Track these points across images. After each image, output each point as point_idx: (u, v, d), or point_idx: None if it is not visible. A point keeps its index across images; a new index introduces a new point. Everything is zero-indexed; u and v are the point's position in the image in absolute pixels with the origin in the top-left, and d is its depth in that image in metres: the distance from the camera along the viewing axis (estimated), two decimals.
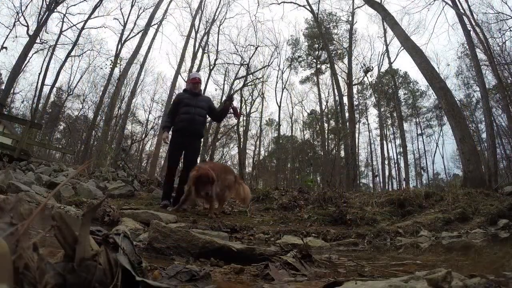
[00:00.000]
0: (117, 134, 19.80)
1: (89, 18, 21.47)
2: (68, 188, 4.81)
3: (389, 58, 23.99)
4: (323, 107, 27.23)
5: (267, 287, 1.00)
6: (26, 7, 18.67)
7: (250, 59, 22.58)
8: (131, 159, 23.73)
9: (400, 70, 28.61)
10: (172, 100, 5.61)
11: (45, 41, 20.09)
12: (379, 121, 28.59)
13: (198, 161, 5.09)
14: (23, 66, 18.52)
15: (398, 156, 27.80)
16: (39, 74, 21.00)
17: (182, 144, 4.64)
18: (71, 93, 25.96)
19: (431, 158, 28.52)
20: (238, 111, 5.05)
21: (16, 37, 19.25)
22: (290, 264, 1.33)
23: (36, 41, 17.94)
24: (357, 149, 24.76)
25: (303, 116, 30.94)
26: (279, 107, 25.95)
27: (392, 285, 0.70)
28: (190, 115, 4.62)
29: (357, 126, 25.52)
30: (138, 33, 21.37)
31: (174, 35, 66.74)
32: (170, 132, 4.75)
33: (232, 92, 22.15)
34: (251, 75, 22.80)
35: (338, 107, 20.35)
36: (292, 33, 42.73)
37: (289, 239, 3.00)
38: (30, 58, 19.50)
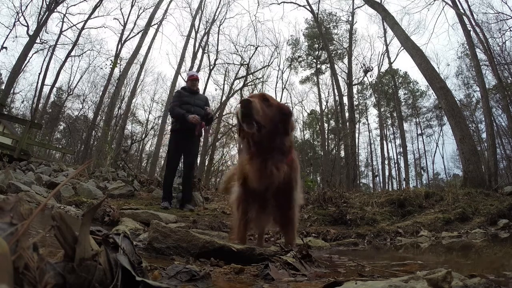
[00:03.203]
0: (117, 134, 19.77)
1: (89, 18, 21.53)
2: (68, 188, 4.82)
3: (389, 58, 24.03)
4: (323, 107, 27.24)
5: (267, 287, 1.00)
6: (26, 7, 18.73)
7: (250, 59, 22.63)
8: (131, 159, 23.72)
9: (400, 70, 28.64)
10: (173, 95, 5.47)
11: (45, 41, 20.16)
12: (379, 121, 28.62)
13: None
14: (23, 66, 18.50)
15: (398, 156, 27.84)
16: (39, 74, 21.08)
17: (182, 143, 4.63)
18: (71, 93, 26.04)
19: (431, 158, 28.58)
20: (201, 129, 4.77)
21: (16, 37, 19.32)
22: (290, 264, 1.33)
23: (36, 41, 17.96)
24: (357, 149, 24.74)
25: (303, 116, 31.00)
26: None
27: (392, 285, 0.70)
28: (189, 113, 4.62)
29: (357, 126, 25.54)
30: (138, 33, 21.42)
31: (174, 35, 66.80)
32: (169, 132, 4.74)
33: (231, 92, 22.16)
34: (251, 75, 22.83)
35: (338, 107, 20.35)
36: (292, 33, 42.65)
37: None
38: (30, 58, 19.52)
